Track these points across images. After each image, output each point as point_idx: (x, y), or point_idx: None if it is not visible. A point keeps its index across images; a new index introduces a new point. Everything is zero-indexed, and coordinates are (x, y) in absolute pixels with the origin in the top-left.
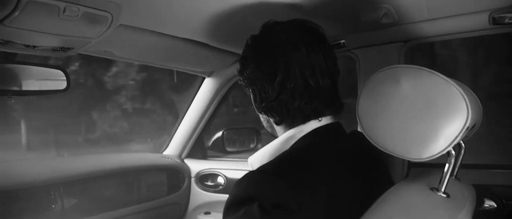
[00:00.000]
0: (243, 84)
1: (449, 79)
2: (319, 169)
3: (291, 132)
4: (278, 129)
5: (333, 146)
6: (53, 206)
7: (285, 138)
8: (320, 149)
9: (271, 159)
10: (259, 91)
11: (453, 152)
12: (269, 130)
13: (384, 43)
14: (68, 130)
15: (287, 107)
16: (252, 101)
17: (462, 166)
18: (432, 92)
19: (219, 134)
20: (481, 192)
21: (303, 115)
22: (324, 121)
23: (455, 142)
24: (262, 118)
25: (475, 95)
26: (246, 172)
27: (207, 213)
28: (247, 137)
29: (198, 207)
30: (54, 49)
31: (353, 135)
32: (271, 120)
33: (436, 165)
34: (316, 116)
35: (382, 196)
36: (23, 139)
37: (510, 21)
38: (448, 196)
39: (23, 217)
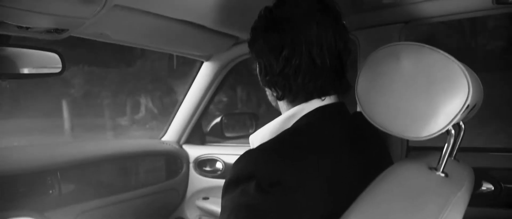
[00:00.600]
0: (252, 56)
1: (450, 57)
2: (319, 148)
3: (292, 110)
4: (281, 104)
5: (334, 125)
6: (51, 191)
7: (286, 116)
8: (321, 128)
9: (272, 137)
10: (264, 65)
11: (452, 131)
12: (273, 103)
13: (385, 24)
14: (110, 113)
15: (289, 83)
16: (258, 74)
17: (461, 148)
18: (432, 69)
19: (218, 119)
20: (479, 175)
21: (305, 92)
22: (328, 100)
23: (455, 121)
24: (267, 91)
25: (476, 75)
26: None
27: (205, 198)
28: (246, 122)
29: (197, 193)
30: (48, 31)
31: (356, 116)
32: (274, 95)
33: (436, 147)
34: (320, 94)
35: (380, 175)
36: (66, 124)
37: None
38: (446, 175)
39: (20, 202)
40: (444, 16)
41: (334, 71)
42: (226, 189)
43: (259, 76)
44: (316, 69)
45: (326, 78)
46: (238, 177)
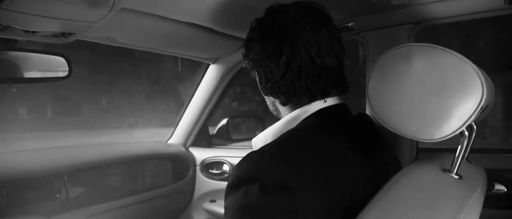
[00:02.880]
0: (248, 67)
1: (464, 58)
2: (322, 150)
3: (295, 112)
4: (283, 110)
5: (338, 127)
6: (58, 195)
7: (289, 118)
8: (324, 130)
9: (274, 139)
10: (264, 72)
11: (466, 133)
12: (275, 113)
13: (394, 25)
14: None
15: (293, 86)
16: (258, 83)
17: (472, 150)
18: (446, 71)
19: (224, 121)
20: (490, 177)
21: (310, 94)
22: (330, 101)
23: (469, 122)
24: (268, 101)
25: (488, 76)
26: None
27: (212, 201)
28: (252, 125)
29: (204, 195)
30: (55, 35)
31: (360, 117)
32: (277, 102)
33: (446, 149)
34: (323, 95)
35: (393, 178)
36: None
37: None
38: (460, 177)
39: (27, 207)
40: (455, 17)
41: (334, 70)
42: (229, 190)
43: (259, 86)
44: (317, 69)
45: (327, 78)
46: (241, 178)
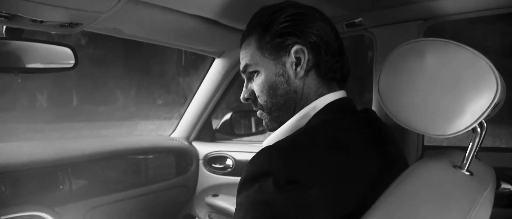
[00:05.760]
0: (307, 41)
1: (478, 53)
2: (334, 145)
3: (305, 109)
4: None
5: (347, 122)
6: (61, 187)
7: (300, 115)
8: (334, 125)
9: (287, 136)
10: (324, 45)
11: (478, 129)
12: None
13: (403, 21)
14: None
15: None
16: (313, 58)
17: (480, 148)
18: (460, 66)
19: (228, 116)
20: (497, 175)
21: (331, 82)
22: (336, 95)
23: (482, 118)
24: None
25: (499, 73)
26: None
27: (215, 195)
28: (256, 120)
29: (206, 189)
30: (62, 25)
31: (366, 112)
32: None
33: (453, 147)
34: (337, 84)
35: (403, 174)
36: None
37: None
38: (471, 174)
39: (31, 198)
40: (465, 14)
41: (341, 61)
42: (242, 186)
43: (308, 62)
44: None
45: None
46: (255, 174)
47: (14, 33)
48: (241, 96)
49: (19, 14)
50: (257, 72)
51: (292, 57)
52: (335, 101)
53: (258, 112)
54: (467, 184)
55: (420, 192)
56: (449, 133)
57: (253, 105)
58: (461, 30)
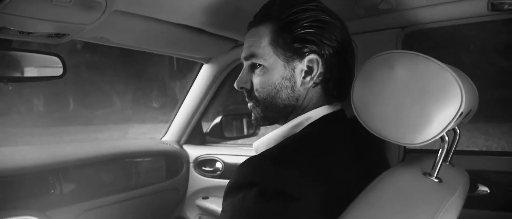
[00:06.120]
0: (325, 45)
1: (444, 65)
2: (322, 157)
3: (299, 119)
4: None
5: (338, 133)
6: (52, 191)
7: (292, 124)
8: (324, 136)
9: (276, 144)
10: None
11: (446, 138)
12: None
13: (382, 29)
14: None
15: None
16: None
17: (457, 151)
18: (426, 78)
19: (218, 119)
20: (474, 178)
21: (330, 97)
22: (333, 107)
23: (448, 128)
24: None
25: (471, 81)
26: (245, 157)
27: (205, 198)
28: (245, 123)
29: (197, 192)
30: (49, 36)
31: (355, 120)
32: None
33: (432, 151)
34: (337, 100)
35: (375, 181)
36: None
37: (509, 7)
38: (440, 181)
39: (22, 202)
40: (440, 22)
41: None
42: (228, 192)
43: (319, 75)
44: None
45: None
46: (241, 183)
47: (4, 43)
48: (236, 83)
49: (7, 27)
50: (262, 66)
51: (304, 65)
52: (328, 114)
53: (250, 104)
54: (433, 191)
55: (387, 199)
56: (418, 142)
57: (246, 95)
58: (457, 31)
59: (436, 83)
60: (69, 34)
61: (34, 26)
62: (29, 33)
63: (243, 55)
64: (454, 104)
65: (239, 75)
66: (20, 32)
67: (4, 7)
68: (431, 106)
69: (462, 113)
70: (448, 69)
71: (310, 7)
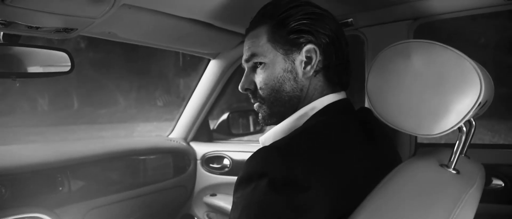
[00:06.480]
0: (320, 40)
1: (462, 54)
2: (331, 146)
3: (304, 109)
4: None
5: (344, 123)
6: (60, 188)
7: (298, 115)
8: (332, 126)
9: (284, 136)
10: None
11: (464, 128)
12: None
13: (393, 21)
14: None
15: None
16: (322, 55)
17: (470, 145)
18: (444, 67)
19: (224, 116)
20: (488, 172)
21: (333, 85)
22: (338, 96)
23: (467, 118)
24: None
25: (487, 72)
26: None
27: (213, 195)
28: (252, 119)
29: (204, 189)
30: (57, 31)
31: (362, 111)
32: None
33: (443, 145)
34: (340, 88)
35: (391, 173)
36: None
37: None
38: (458, 172)
39: (30, 199)
40: (454, 13)
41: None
42: (239, 185)
43: (319, 63)
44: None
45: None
46: (251, 174)
47: (12, 39)
48: (240, 86)
49: (15, 21)
50: (264, 64)
51: (302, 56)
52: (334, 102)
53: (256, 104)
54: (452, 183)
55: (405, 190)
56: (435, 132)
57: (251, 96)
58: (461, 26)
59: (455, 73)
60: (77, 29)
61: (42, 20)
62: (37, 27)
63: (244, 58)
64: (473, 94)
65: (243, 79)
66: (28, 27)
67: (13, 1)
68: (449, 95)
69: (480, 102)
70: (467, 58)
71: (301, 3)
